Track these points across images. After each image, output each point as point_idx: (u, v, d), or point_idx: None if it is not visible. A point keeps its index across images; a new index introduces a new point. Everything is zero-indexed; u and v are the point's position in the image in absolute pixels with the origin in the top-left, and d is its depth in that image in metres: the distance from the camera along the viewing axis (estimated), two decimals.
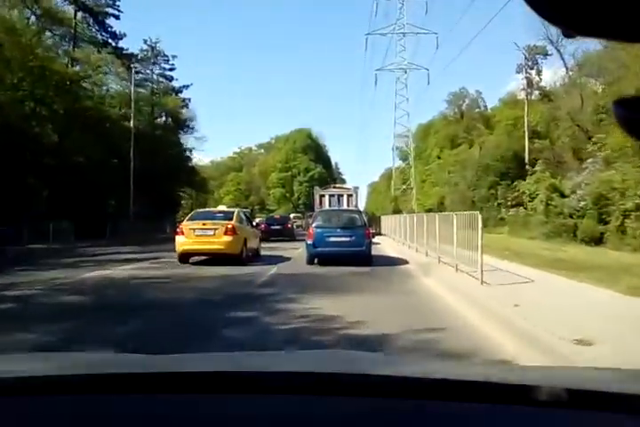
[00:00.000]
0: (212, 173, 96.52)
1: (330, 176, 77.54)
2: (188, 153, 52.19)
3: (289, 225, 25.14)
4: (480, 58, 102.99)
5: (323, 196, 29.50)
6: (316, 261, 12.42)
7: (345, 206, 26.27)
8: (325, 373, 1.13)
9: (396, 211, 45.36)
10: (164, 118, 40.69)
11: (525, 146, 35.27)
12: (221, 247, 12.47)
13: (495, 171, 35.42)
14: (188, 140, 42.92)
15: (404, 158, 63.13)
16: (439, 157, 60.14)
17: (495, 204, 35.21)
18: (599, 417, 0.95)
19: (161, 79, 39.55)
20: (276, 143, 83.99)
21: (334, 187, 33.44)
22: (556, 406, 0.95)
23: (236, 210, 14.90)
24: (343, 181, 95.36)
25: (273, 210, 76.69)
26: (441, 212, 21.24)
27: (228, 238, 12.53)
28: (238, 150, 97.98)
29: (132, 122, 29.18)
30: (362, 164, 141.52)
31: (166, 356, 1.60)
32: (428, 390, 1.02)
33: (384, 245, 19.80)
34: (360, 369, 1.26)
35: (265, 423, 0.93)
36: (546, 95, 37.99)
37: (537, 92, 41.73)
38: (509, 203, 34.69)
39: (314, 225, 12.74)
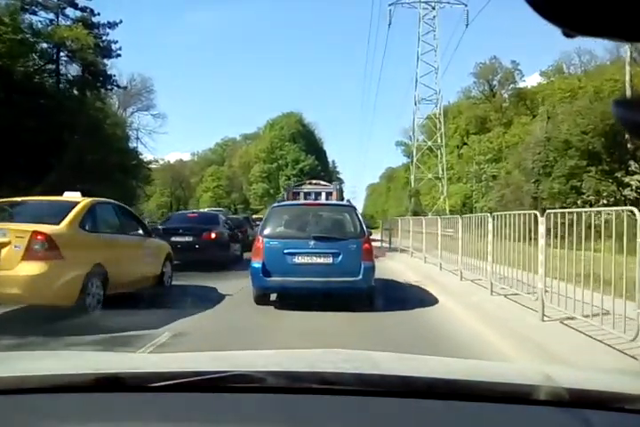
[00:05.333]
0: (193, 166, 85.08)
1: (324, 171, 64.63)
2: (135, 131, 39.53)
3: (213, 235, 11.51)
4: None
5: (297, 194, 24.62)
6: (273, 296, 7.18)
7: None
8: (328, 372, 1.14)
9: (417, 211, 32.57)
10: (76, 72, 27.51)
11: None
12: (15, 292, 5.25)
13: (581, 150, 22.63)
14: (143, 118, 30.35)
15: (411, 152, 48.84)
16: (459, 147, 47.24)
17: (578, 201, 22.51)
18: (599, 417, 0.94)
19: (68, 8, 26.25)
20: (263, 134, 71.14)
21: (310, 183, 28.09)
22: (556, 406, 0.96)
23: (81, 201, 6.39)
24: (341, 181, 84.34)
25: (257, 210, 64.15)
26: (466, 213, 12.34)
27: (29, 269, 5.30)
28: (221, 142, 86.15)
29: None
30: (361, 164, 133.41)
31: (168, 355, 1.69)
32: (428, 390, 1.02)
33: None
34: (361, 368, 1.24)
35: (268, 422, 0.94)
36: None
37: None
38: (604, 201, 22.09)
39: (265, 233, 7.05)
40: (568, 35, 0.52)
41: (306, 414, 0.96)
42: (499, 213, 6.66)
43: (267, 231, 7.09)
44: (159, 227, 11.79)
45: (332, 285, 6.71)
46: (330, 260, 6.83)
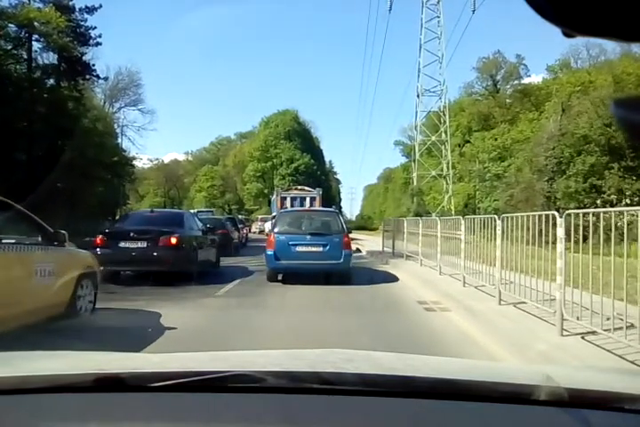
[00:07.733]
0: (187, 166, 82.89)
1: (320, 170, 62.51)
2: (122, 127, 37.48)
3: (173, 239, 8.80)
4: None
5: (284, 198, 27.58)
6: (279, 277, 9.57)
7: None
8: (329, 372, 1.12)
9: (419, 212, 30.49)
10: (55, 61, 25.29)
11: None
12: None
13: (601, 145, 20.58)
14: (131, 114, 28.28)
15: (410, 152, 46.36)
16: (461, 145, 45.22)
17: (598, 201, 20.47)
18: (599, 417, 0.94)
19: None
20: (258, 132, 68.95)
21: (296, 188, 31.32)
22: (556, 406, 0.95)
23: None
24: (338, 182, 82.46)
25: (252, 210, 61.95)
26: (468, 215, 11.09)
27: None
28: (215, 141, 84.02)
29: None
30: (359, 165, 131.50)
31: (168, 355, 1.67)
32: (429, 390, 1.02)
33: None
34: (362, 369, 1.23)
35: (268, 422, 0.92)
36: None
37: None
38: (627, 200, 20.05)
39: (275, 230, 9.95)
40: (568, 35, 0.52)
41: (306, 415, 0.96)
42: (575, 211, 4.53)
43: (277, 229, 9.84)
44: (105, 230, 9.53)
45: (322, 266, 9.26)
46: (321, 249, 9.45)
